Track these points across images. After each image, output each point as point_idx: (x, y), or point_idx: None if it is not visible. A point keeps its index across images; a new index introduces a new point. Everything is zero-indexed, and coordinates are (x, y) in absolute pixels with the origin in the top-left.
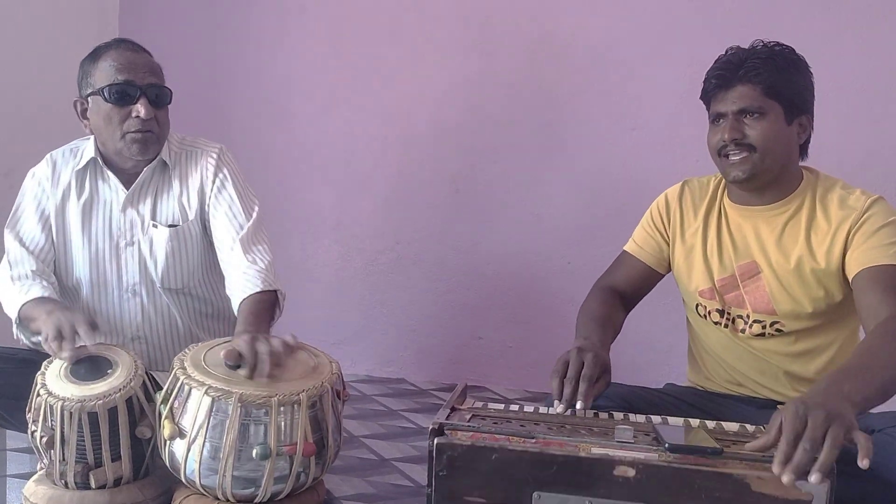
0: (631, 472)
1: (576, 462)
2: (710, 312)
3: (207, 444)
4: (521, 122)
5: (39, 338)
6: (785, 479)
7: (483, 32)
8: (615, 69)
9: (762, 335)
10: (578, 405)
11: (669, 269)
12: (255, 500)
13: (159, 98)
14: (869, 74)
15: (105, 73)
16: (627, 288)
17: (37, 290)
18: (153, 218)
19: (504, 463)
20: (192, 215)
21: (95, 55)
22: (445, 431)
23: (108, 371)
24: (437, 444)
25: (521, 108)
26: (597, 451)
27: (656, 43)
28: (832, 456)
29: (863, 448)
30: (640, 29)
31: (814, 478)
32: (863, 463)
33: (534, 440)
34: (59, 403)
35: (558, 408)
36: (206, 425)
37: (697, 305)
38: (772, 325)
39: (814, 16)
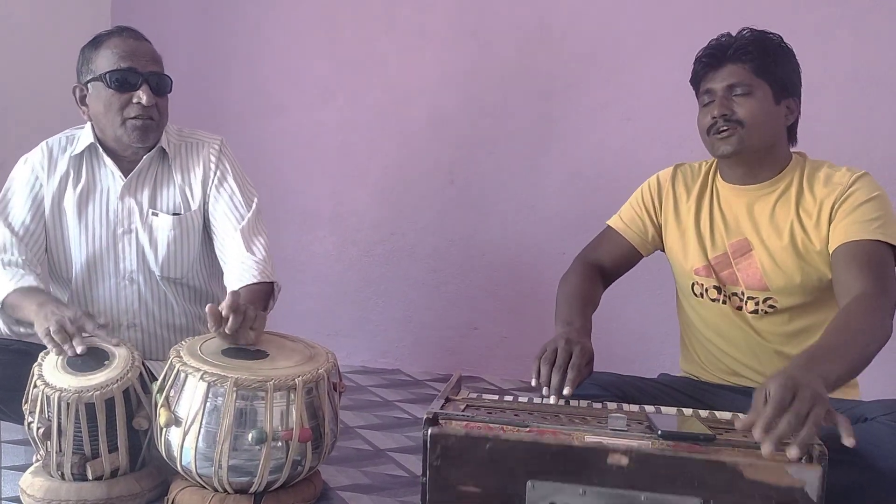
0: (624, 461)
1: (569, 451)
2: (707, 290)
3: (203, 431)
4: (516, 112)
5: (22, 329)
6: (765, 448)
7: (478, 22)
8: (610, 59)
9: (756, 312)
10: (566, 391)
11: (650, 252)
12: (251, 490)
13: (160, 86)
14: (863, 63)
15: (107, 59)
16: (609, 264)
17: (29, 279)
18: (153, 206)
19: (498, 452)
20: (194, 206)
21: (97, 42)
22: (440, 421)
23: (105, 362)
24: (431, 434)
25: (517, 99)
26: (590, 438)
27: (651, 32)
28: (811, 434)
29: (844, 428)
30: (636, 18)
31: (793, 452)
32: (848, 441)
33: (528, 429)
34: (57, 394)
35: (550, 398)
36: (201, 411)
37: (693, 284)
38: (765, 301)
39: (808, 5)
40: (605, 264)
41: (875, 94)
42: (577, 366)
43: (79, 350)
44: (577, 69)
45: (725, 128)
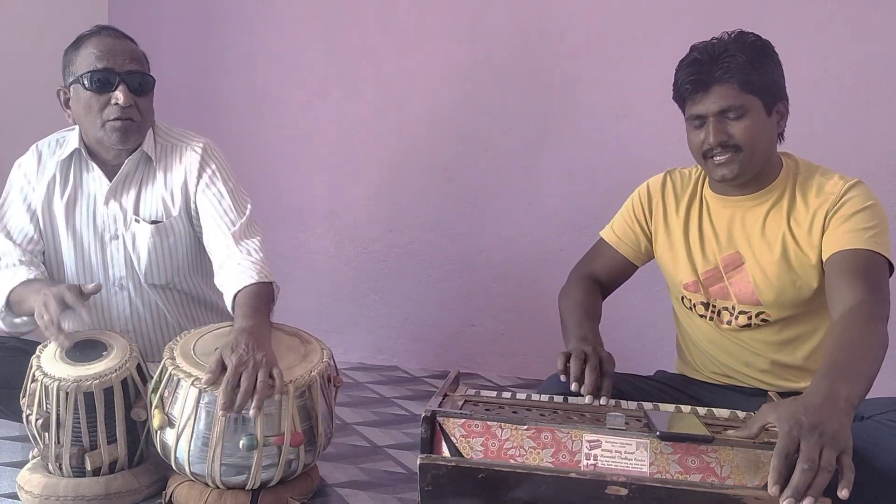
0: (623, 492)
1: (566, 482)
2: (695, 305)
3: (196, 434)
4: (513, 109)
5: (23, 319)
6: (785, 503)
7: (476, 19)
8: (607, 56)
9: (748, 326)
10: (603, 400)
11: (645, 262)
12: (246, 487)
13: (141, 86)
14: (861, 61)
15: (86, 60)
16: (605, 278)
17: (23, 272)
18: (136, 212)
19: (492, 483)
20: (175, 211)
21: (77, 43)
22: (437, 419)
23: (103, 353)
24: (420, 464)
25: (514, 96)
26: (587, 468)
27: (648, 29)
28: (825, 479)
29: (845, 479)
30: (632, 16)
31: (807, 502)
32: (841, 493)
33: (525, 427)
34: (55, 384)
35: (587, 398)
36: (194, 416)
37: (683, 297)
38: (757, 315)
39: (805, 2)
40: (601, 277)
41: (873, 91)
42: (608, 374)
43: (65, 326)
44: (574, 66)
45: (723, 153)
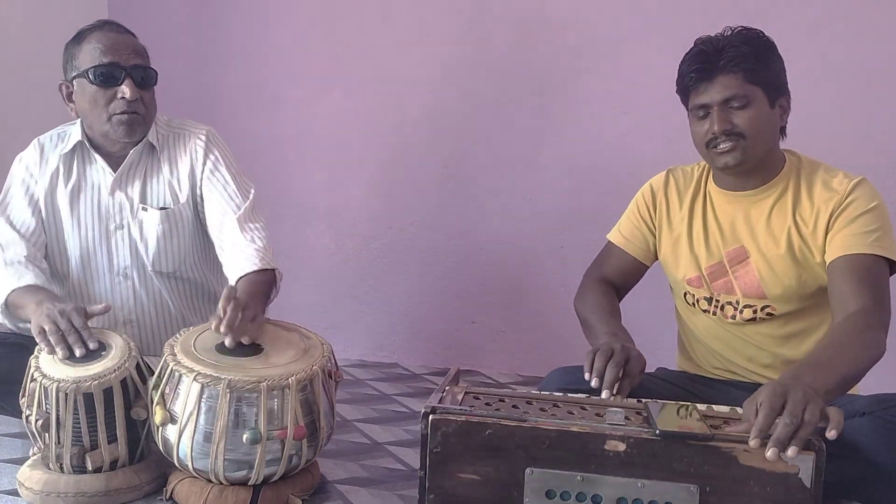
0: (622, 447)
1: (567, 437)
2: (698, 300)
3: (199, 430)
4: (513, 106)
5: (27, 325)
6: (769, 453)
7: (475, 15)
8: (607, 52)
9: (753, 320)
10: (619, 398)
11: (655, 261)
12: (249, 483)
13: (145, 79)
14: (861, 57)
15: (90, 55)
16: (618, 280)
17: (29, 276)
18: (142, 201)
19: (497, 439)
20: (183, 198)
21: (80, 38)
22: (439, 413)
23: (102, 353)
24: (431, 420)
25: (514, 92)
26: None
27: (648, 25)
28: (808, 431)
29: (833, 421)
30: (633, 11)
31: (790, 451)
32: (830, 434)
33: (525, 423)
34: (54, 385)
35: (603, 393)
36: (196, 411)
37: (686, 294)
38: (763, 309)
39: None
40: (613, 280)
41: (872, 87)
42: (633, 374)
43: (77, 353)
44: (575, 62)
45: (726, 141)
